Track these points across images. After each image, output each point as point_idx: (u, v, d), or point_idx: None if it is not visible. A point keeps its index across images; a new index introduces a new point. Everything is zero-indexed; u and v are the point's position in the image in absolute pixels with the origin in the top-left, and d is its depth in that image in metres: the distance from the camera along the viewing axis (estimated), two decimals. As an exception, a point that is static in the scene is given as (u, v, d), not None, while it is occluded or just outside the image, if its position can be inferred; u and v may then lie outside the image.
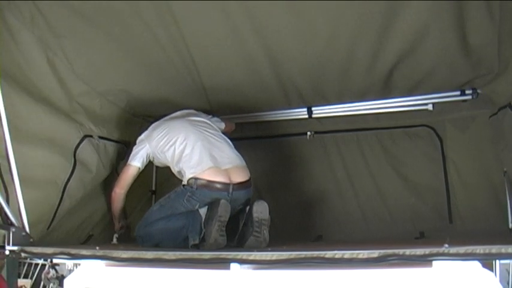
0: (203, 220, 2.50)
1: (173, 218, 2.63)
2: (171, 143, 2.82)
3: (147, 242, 2.68)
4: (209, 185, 2.63)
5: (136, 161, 2.94)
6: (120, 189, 2.99)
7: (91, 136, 2.97)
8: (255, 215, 2.51)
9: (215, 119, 3.18)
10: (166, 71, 2.95)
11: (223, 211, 2.46)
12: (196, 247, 2.46)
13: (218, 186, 2.63)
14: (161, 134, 2.89)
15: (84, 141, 2.88)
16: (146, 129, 3.03)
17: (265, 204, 2.57)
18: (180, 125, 2.92)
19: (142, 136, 2.99)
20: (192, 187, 2.64)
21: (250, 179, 2.77)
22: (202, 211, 2.55)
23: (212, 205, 2.51)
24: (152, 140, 2.91)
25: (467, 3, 2.14)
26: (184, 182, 2.70)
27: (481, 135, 3.07)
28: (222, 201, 2.49)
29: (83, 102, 2.93)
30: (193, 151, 2.73)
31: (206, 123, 2.99)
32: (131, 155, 2.98)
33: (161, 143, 2.86)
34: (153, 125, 3.03)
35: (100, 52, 2.74)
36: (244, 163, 2.82)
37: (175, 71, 2.93)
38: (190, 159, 2.71)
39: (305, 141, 3.51)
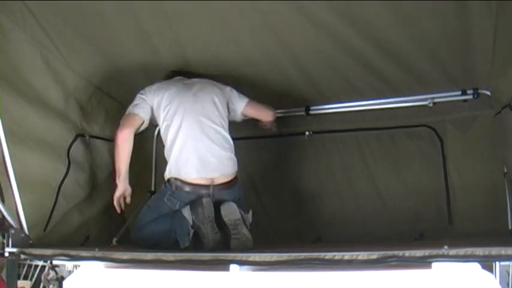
0: (191, 224, 2.48)
1: (160, 220, 2.60)
2: (168, 119, 2.67)
3: (143, 245, 2.64)
4: (187, 187, 2.58)
5: (137, 109, 2.69)
6: (124, 129, 2.61)
7: (83, 135, 2.96)
8: (225, 218, 2.46)
9: (235, 94, 2.89)
10: (159, 70, 2.96)
11: (208, 210, 2.44)
12: (189, 249, 2.46)
13: (196, 188, 2.57)
14: (165, 98, 2.70)
15: (76, 141, 2.88)
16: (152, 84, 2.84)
17: (232, 204, 2.49)
18: (187, 106, 2.68)
19: (147, 88, 2.79)
20: (171, 187, 2.60)
21: (234, 178, 2.68)
22: (186, 213, 2.50)
23: (196, 207, 2.47)
24: (155, 96, 2.72)
25: None
26: (167, 175, 2.66)
27: (481, 136, 3.05)
28: (204, 200, 2.46)
29: (80, 97, 2.94)
30: (183, 148, 2.63)
31: (215, 113, 2.72)
32: (130, 105, 2.74)
33: (161, 107, 2.69)
34: (165, 81, 2.84)
35: (93, 44, 2.76)
36: (233, 169, 2.69)
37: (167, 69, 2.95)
38: (179, 158, 2.63)
39: (303, 141, 3.49)
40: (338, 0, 2.25)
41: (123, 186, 2.67)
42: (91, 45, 2.77)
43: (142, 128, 2.78)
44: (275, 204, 3.34)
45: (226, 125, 2.77)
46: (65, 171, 2.76)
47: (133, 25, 2.55)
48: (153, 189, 3.74)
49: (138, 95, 2.79)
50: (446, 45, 2.54)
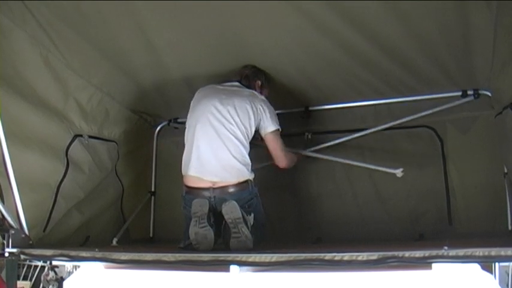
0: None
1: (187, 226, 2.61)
2: (188, 120, 2.78)
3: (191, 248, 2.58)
4: (190, 191, 2.63)
5: None
6: None
7: (81, 136, 2.97)
8: (226, 216, 2.45)
9: (265, 117, 2.77)
10: (160, 69, 2.99)
11: (197, 207, 2.46)
12: (183, 249, 2.47)
13: (199, 191, 2.59)
14: (195, 100, 2.83)
15: (75, 141, 2.89)
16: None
17: (233, 203, 2.46)
18: (205, 111, 2.70)
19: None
20: (182, 195, 2.67)
21: (239, 183, 2.62)
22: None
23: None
24: (195, 97, 2.85)
25: None
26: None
27: (482, 136, 3.05)
28: (195, 200, 2.50)
29: (79, 97, 2.94)
30: (190, 149, 2.69)
31: (231, 121, 2.67)
32: None
33: (191, 109, 2.83)
34: (209, 86, 2.88)
35: (93, 44, 2.76)
36: (237, 178, 2.63)
37: (163, 70, 2.99)
38: (185, 157, 2.71)
39: (303, 142, 3.50)
40: (338, 0, 2.25)
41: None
42: (91, 45, 2.77)
43: None
44: (274, 204, 3.33)
45: (242, 135, 2.68)
46: (63, 171, 2.77)
47: (133, 25, 2.55)
48: (153, 189, 3.75)
49: None
50: (446, 45, 2.54)
